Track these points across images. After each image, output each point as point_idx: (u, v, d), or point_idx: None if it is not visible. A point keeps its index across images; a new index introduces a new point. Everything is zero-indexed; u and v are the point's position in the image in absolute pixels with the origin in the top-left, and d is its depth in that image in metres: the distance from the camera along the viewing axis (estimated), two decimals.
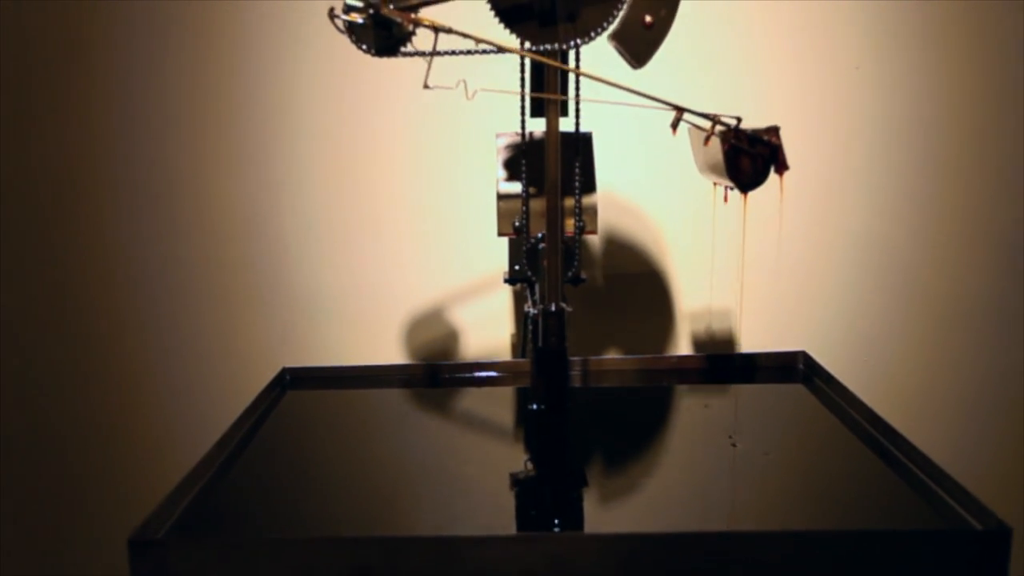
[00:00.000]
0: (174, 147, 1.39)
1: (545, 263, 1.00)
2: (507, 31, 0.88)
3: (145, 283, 1.42)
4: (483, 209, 1.32)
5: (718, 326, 1.42)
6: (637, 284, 1.42)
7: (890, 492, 0.83)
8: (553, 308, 0.99)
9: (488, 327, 1.43)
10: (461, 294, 1.42)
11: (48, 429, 1.46)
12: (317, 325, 1.43)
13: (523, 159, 1.02)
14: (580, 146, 1.01)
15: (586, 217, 1.03)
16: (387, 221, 1.41)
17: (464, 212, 1.39)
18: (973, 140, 1.37)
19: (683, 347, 1.44)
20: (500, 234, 1.05)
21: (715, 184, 1.01)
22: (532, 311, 1.02)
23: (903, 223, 1.40)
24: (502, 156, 1.07)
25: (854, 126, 1.37)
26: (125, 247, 1.41)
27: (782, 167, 0.91)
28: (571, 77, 0.96)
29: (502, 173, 1.06)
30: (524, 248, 1.05)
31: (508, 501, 0.84)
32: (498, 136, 1.09)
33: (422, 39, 0.87)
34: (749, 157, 0.91)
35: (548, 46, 0.89)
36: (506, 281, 1.10)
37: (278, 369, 1.16)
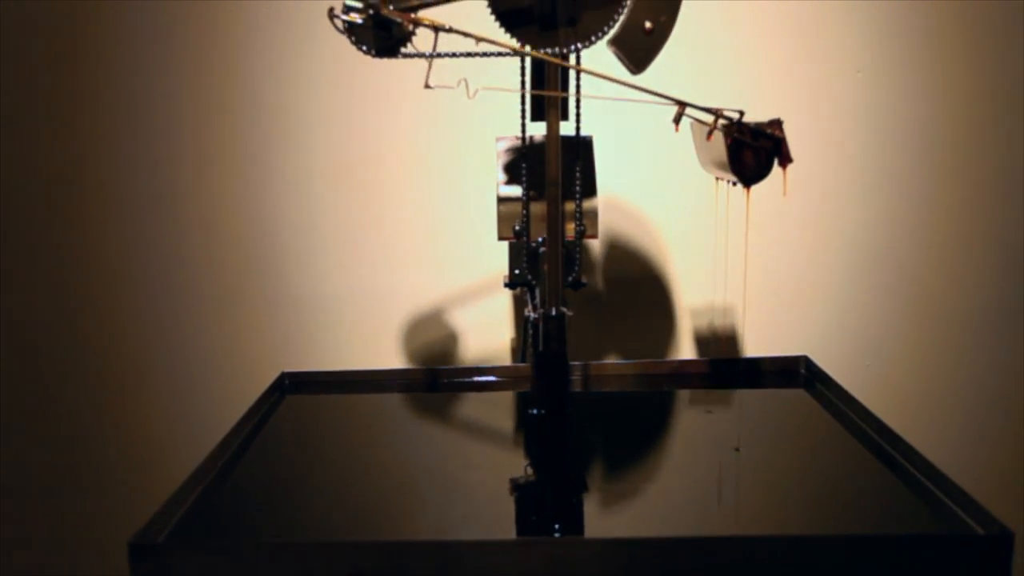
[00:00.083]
0: (174, 150, 1.39)
1: (545, 267, 1.00)
2: (508, 35, 0.89)
3: (145, 286, 1.42)
4: (483, 213, 1.32)
5: (719, 330, 1.42)
6: (638, 288, 1.42)
7: (892, 496, 0.83)
8: (554, 312, 0.98)
9: (488, 331, 1.43)
10: (461, 298, 1.42)
11: (49, 432, 1.46)
12: (317, 329, 1.43)
13: (523, 163, 1.02)
14: (581, 150, 1.01)
15: (587, 221, 1.03)
16: (387, 226, 1.41)
17: (464, 216, 1.39)
18: (981, 145, 1.37)
19: (684, 351, 1.44)
20: (500, 238, 1.05)
21: (717, 179, 1.01)
22: (532, 315, 1.02)
23: (903, 228, 1.40)
24: (502, 160, 1.07)
25: (856, 129, 1.37)
26: (125, 249, 1.41)
27: (786, 160, 0.91)
28: (572, 77, 0.96)
29: (502, 177, 1.05)
30: (524, 252, 1.05)
31: (508, 506, 0.84)
32: (498, 140, 1.09)
33: (423, 40, 0.87)
34: (752, 150, 0.90)
35: (548, 50, 0.89)
36: (506, 285, 1.10)
37: (279, 372, 1.16)
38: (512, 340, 1.43)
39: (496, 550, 0.72)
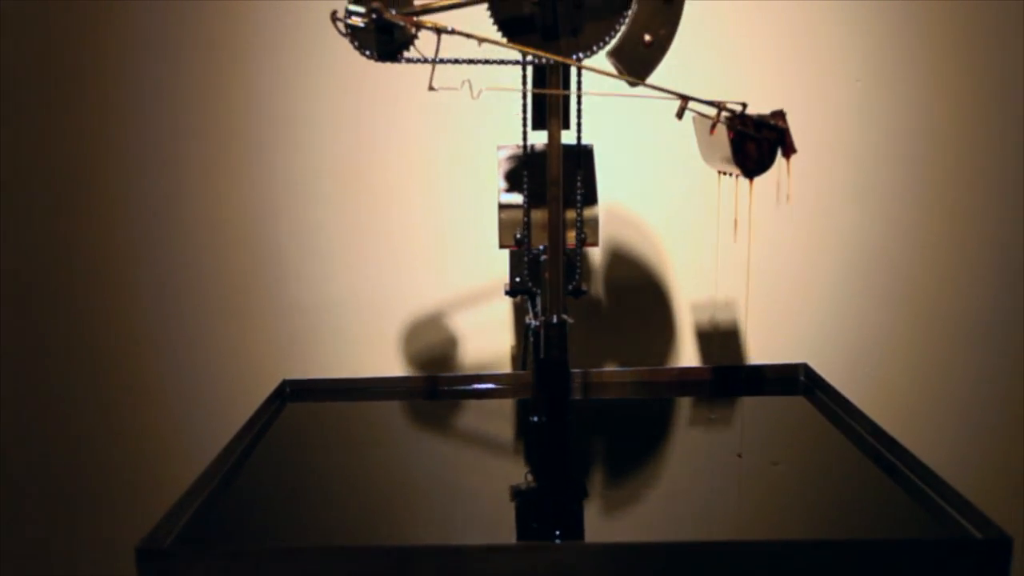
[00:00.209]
0: (179, 154, 1.39)
1: (546, 275, 1.00)
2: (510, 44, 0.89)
3: (146, 293, 1.43)
4: (484, 221, 1.33)
5: (721, 337, 1.42)
6: (639, 296, 1.43)
7: (891, 502, 0.83)
8: (554, 320, 0.99)
9: (489, 339, 1.43)
10: (462, 306, 1.42)
11: (52, 439, 1.46)
12: (318, 337, 1.44)
13: (524, 171, 1.02)
14: (582, 158, 1.02)
15: (587, 229, 1.03)
16: (387, 233, 1.41)
17: (465, 224, 1.40)
18: (978, 148, 1.38)
19: (684, 359, 1.44)
20: (501, 246, 1.06)
21: (720, 173, 1.01)
22: (533, 323, 1.02)
23: (904, 235, 1.40)
24: (503, 168, 1.07)
25: (856, 137, 1.38)
26: (129, 253, 1.42)
27: (789, 150, 0.91)
28: (572, 77, 0.96)
29: (503, 185, 1.06)
30: (525, 260, 1.05)
31: (509, 512, 0.84)
32: (499, 148, 1.10)
33: (426, 45, 0.87)
34: (755, 142, 0.91)
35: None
36: (507, 293, 1.10)
37: (280, 380, 1.16)
38: (513, 348, 1.43)
39: (498, 554, 0.73)
